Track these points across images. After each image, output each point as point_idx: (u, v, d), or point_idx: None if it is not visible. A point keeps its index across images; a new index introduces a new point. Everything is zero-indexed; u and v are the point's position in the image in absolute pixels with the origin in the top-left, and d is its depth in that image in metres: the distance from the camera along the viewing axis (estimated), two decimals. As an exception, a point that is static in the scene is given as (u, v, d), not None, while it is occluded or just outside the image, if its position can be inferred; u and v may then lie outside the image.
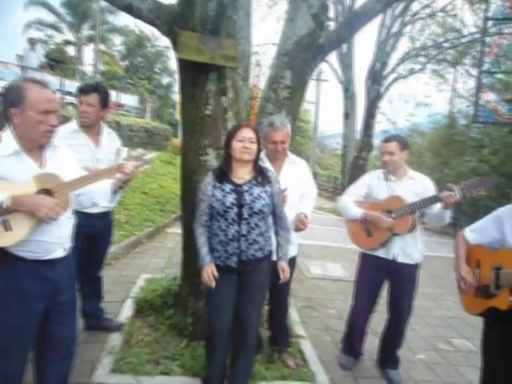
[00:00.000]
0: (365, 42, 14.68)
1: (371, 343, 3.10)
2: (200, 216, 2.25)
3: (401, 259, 2.74)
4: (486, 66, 8.71)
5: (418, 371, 3.11)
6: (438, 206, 2.55)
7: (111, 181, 2.03)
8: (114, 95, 22.00)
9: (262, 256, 2.24)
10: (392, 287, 2.87)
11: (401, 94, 31.85)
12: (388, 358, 2.96)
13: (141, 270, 4.49)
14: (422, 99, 20.81)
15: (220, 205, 2.16)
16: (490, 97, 8.33)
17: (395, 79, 15.29)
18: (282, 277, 2.26)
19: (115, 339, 2.91)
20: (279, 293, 2.77)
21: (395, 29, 14.04)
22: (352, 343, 3.05)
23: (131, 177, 2.03)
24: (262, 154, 2.68)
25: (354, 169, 14.09)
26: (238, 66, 3.07)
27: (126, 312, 3.35)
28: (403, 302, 2.84)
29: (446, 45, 14.46)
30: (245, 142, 2.17)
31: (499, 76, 11.63)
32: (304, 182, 2.78)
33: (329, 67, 15.62)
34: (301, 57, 3.40)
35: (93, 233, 2.72)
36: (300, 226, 2.58)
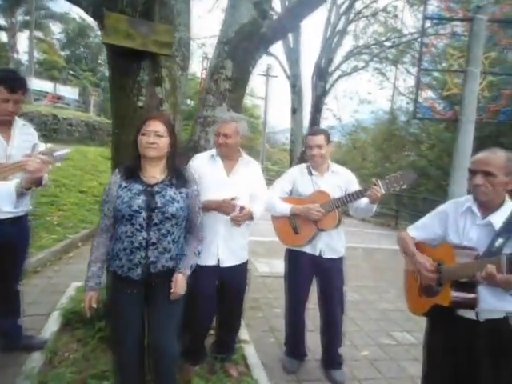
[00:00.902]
0: (312, 38, 14.85)
1: (316, 342, 2.99)
2: (101, 220, 1.97)
3: (327, 254, 2.70)
4: (424, 65, 9.03)
5: (362, 369, 3.06)
6: (364, 201, 2.51)
7: (16, 181, 1.72)
8: (51, 86, 20.62)
9: (175, 266, 1.97)
10: (321, 284, 2.80)
11: (345, 90, 32.86)
12: (330, 357, 2.88)
13: (73, 277, 4.06)
14: (365, 96, 21.63)
15: (126, 208, 1.86)
16: (428, 94, 8.65)
17: (340, 76, 15.69)
18: (172, 290, 1.92)
19: (36, 359, 2.56)
20: (234, 300, 2.60)
21: (340, 26, 14.28)
22: (294, 345, 2.95)
23: (36, 175, 1.72)
24: (214, 152, 2.51)
25: (301, 163, 14.25)
26: (174, 53, 2.84)
27: (51, 326, 2.98)
28: (335, 298, 2.77)
29: (387, 44, 14.97)
30: (149, 136, 1.88)
31: (436, 74, 12.23)
32: (256, 184, 2.58)
33: (277, 62, 15.63)
34: (242, 46, 3.21)
35: (2, 242, 2.35)
36: (238, 218, 2.36)
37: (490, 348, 1.65)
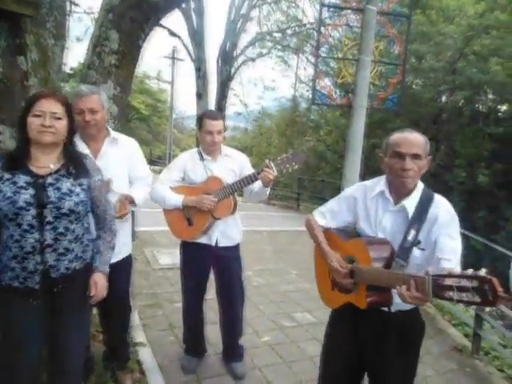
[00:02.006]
0: (216, 20, 14.50)
1: (218, 335, 2.83)
2: None
3: (223, 243, 2.54)
4: (321, 54, 9.31)
5: (263, 356, 3.00)
6: (258, 184, 2.36)
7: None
8: None
9: (82, 266, 1.67)
10: (219, 274, 2.64)
11: (251, 77, 33.15)
12: (231, 350, 2.76)
13: None
14: (269, 83, 21.99)
15: (8, 205, 1.51)
16: (325, 82, 8.97)
17: (244, 61, 15.66)
18: (92, 293, 1.69)
19: None
20: (117, 300, 2.26)
21: (244, 10, 14.12)
22: (193, 341, 2.75)
23: None
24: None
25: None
26: (44, 17, 2.35)
27: None
28: (234, 286, 2.63)
29: (289, 32, 15.25)
30: (44, 117, 1.53)
31: (332, 64, 12.83)
32: (133, 165, 2.28)
33: (182, 45, 14.98)
34: (130, 15, 2.83)
35: None
36: (120, 211, 2.05)
37: (399, 336, 1.60)
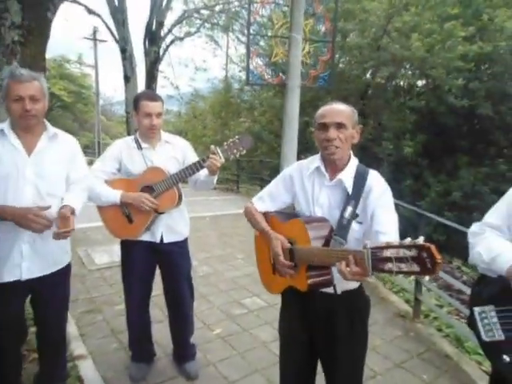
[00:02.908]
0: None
1: (167, 334, 2.61)
2: None
3: (168, 239, 2.32)
4: (252, 32, 9.05)
5: (216, 351, 2.85)
6: (204, 172, 2.19)
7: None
8: None
9: None
10: (166, 272, 2.43)
11: (180, 57, 31.97)
12: (182, 350, 2.57)
13: None
14: (200, 64, 21.27)
15: None
16: (257, 62, 8.78)
17: (173, 41, 14.90)
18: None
19: None
20: (51, 316, 1.98)
21: (169, -14, 13.31)
22: (140, 347, 2.51)
23: None
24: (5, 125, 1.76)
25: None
26: None
27: None
28: (182, 284, 2.42)
29: (217, 9, 14.73)
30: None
31: (262, 43, 12.63)
32: (73, 166, 1.95)
33: (103, 24, 13.81)
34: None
35: None
36: (61, 227, 1.72)
37: (347, 317, 1.58)
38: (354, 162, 1.57)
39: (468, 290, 3.27)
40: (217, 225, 6.67)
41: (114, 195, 2.18)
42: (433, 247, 0.97)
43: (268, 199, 1.74)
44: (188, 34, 15.60)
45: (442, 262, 0.98)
